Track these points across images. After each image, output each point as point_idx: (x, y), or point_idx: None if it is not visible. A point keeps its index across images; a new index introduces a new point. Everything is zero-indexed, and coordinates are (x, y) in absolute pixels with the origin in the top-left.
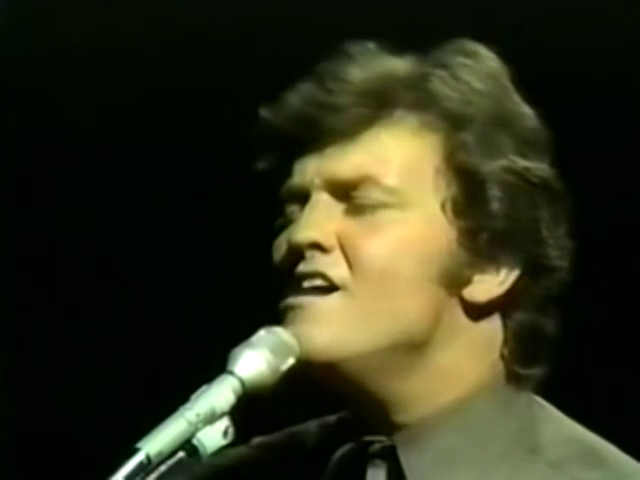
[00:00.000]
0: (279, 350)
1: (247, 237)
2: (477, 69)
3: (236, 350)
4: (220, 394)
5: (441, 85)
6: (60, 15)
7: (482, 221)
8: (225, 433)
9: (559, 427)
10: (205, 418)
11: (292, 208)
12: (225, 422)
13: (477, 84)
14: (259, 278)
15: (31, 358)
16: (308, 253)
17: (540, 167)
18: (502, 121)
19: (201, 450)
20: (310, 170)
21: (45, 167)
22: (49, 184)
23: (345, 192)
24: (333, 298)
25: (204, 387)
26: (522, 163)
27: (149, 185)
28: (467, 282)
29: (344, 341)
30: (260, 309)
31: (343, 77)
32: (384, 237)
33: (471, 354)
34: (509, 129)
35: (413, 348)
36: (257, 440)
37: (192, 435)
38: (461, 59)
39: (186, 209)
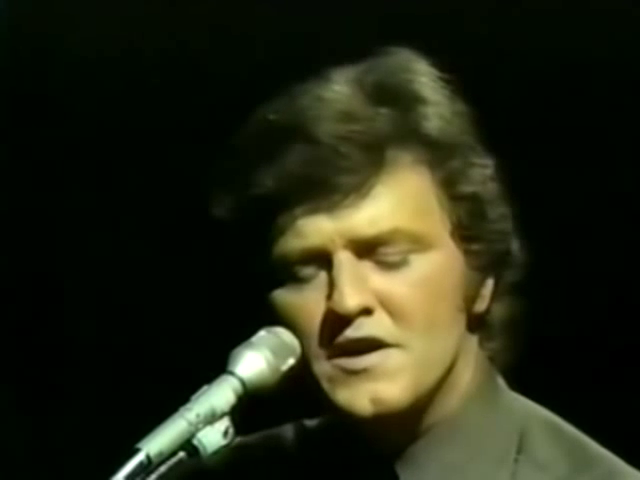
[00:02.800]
0: (279, 350)
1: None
2: (432, 85)
3: (236, 350)
4: (220, 394)
5: (419, 115)
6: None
7: (487, 240)
8: (225, 433)
9: (541, 421)
10: (205, 418)
11: (307, 269)
12: (225, 422)
13: (443, 101)
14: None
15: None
16: (357, 320)
17: (489, 158)
18: (467, 128)
19: (201, 450)
20: (327, 230)
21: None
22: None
23: (370, 249)
24: (394, 355)
25: (204, 387)
26: (487, 163)
27: (150, 183)
28: (476, 298)
29: (412, 391)
30: (260, 309)
31: (336, 132)
32: (421, 286)
33: (465, 363)
34: (468, 133)
35: (446, 374)
36: (235, 440)
37: (192, 435)
38: (413, 77)
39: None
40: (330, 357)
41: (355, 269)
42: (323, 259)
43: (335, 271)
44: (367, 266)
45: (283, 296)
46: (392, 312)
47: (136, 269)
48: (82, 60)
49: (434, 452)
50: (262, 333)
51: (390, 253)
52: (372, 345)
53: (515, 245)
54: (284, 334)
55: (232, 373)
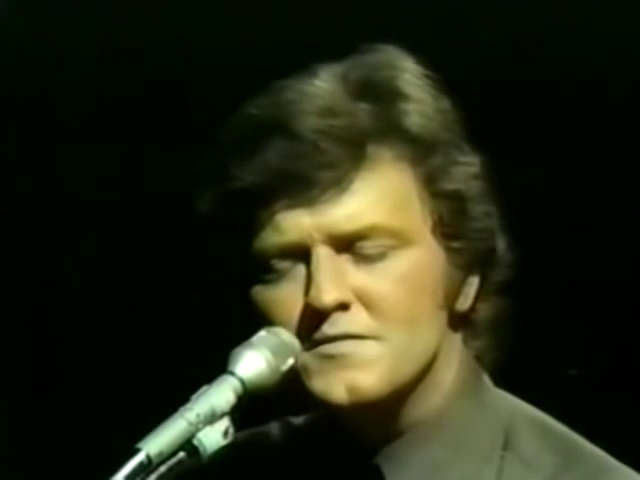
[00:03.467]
0: (279, 350)
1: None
2: (416, 82)
3: (236, 350)
4: (220, 394)
5: (401, 111)
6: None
7: (469, 238)
8: (225, 433)
9: (527, 418)
10: (205, 418)
11: (285, 263)
12: (225, 422)
13: (426, 98)
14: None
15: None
16: (333, 315)
17: (475, 157)
18: (451, 126)
19: (201, 450)
20: (306, 225)
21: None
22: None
23: (349, 244)
24: (370, 345)
25: (204, 387)
26: (472, 161)
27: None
28: (458, 295)
29: (387, 381)
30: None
31: (316, 127)
32: (400, 282)
33: (448, 361)
34: (452, 131)
35: (425, 369)
36: None
37: (192, 435)
38: (397, 74)
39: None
40: (308, 349)
41: (333, 264)
42: (301, 254)
43: (313, 266)
44: (346, 260)
45: (262, 291)
46: (369, 307)
47: (136, 268)
48: (82, 58)
49: (418, 449)
50: (262, 333)
51: (369, 247)
52: (349, 338)
53: (501, 244)
54: (284, 334)
55: (232, 373)
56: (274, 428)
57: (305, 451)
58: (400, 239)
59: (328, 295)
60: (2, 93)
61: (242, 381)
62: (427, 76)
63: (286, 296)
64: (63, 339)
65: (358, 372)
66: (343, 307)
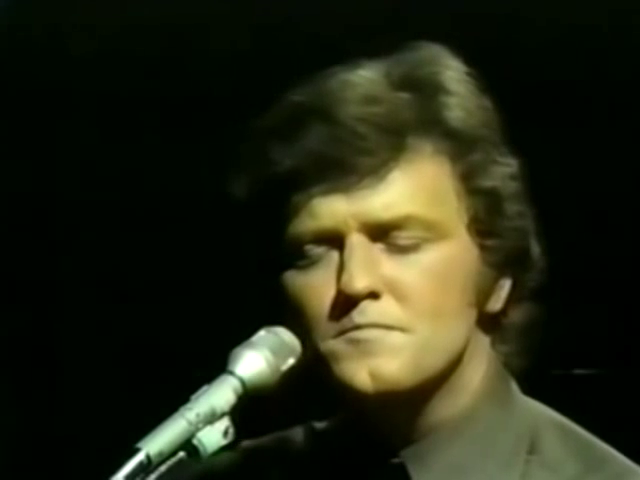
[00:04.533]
0: (279, 350)
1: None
2: (459, 78)
3: (236, 350)
4: (220, 394)
5: (443, 105)
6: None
7: (503, 236)
8: (225, 433)
9: (552, 423)
10: (205, 418)
11: (319, 249)
12: (225, 422)
13: (468, 94)
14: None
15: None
16: (363, 302)
17: (513, 159)
18: (492, 124)
19: (201, 450)
20: (341, 212)
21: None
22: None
23: (383, 233)
24: (396, 335)
25: (204, 387)
26: (510, 162)
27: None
28: (490, 295)
29: (411, 372)
30: (261, 309)
31: (356, 114)
32: (431, 274)
33: (476, 362)
34: (492, 129)
35: (452, 368)
36: (245, 443)
37: (192, 435)
38: (441, 69)
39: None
40: (336, 336)
41: (366, 252)
42: (336, 240)
43: (346, 253)
44: (379, 250)
45: (294, 277)
46: (399, 297)
47: (136, 267)
48: (83, 56)
49: (443, 450)
50: (262, 333)
51: (403, 237)
52: (377, 328)
53: (536, 249)
54: (284, 334)
55: (232, 373)
56: (297, 432)
57: (329, 454)
58: (434, 232)
59: (360, 282)
60: (2, 92)
61: (242, 381)
62: (469, 74)
63: (319, 282)
64: (63, 339)
65: (382, 359)
66: (373, 296)
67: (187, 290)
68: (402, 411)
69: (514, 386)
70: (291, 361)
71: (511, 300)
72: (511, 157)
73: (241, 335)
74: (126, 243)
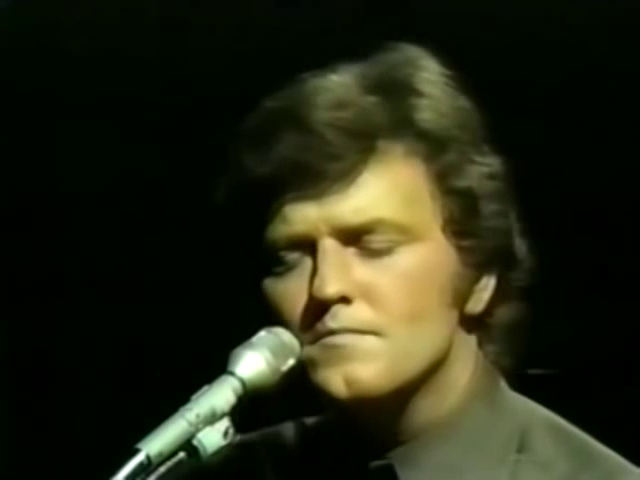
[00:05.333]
0: (280, 351)
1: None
2: (433, 80)
3: (237, 351)
4: (220, 395)
5: (413, 107)
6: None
7: (480, 237)
8: (225, 434)
9: (543, 421)
10: (205, 419)
11: (293, 255)
12: (225, 423)
13: (441, 96)
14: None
15: None
16: (334, 307)
17: (495, 158)
18: (468, 125)
19: (201, 451)
20: (312, 217)
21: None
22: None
23: (355, 237)
24: (370, 340)
25: (205, 387)
26: (490, 161)
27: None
28: (469, 296)
29: (387, 377)
30: (261, 309)
31: (326, 119)
32: (404, 278)
33: (463, 363)
34: (471, 131)
35: (434, 369)
36: (236, 438)
37: (192, 436)
38: (415, 71)
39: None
40: (312, 342)
41: (338, 256)
42: (309, 246)
43: (318, 258)
44: (352, 254)
45: (271, 283)
46: (372, 302)
47: (136, 267)
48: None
49: (431, 451)
50: (262, 333)
51: (375, 241)
52: (350, 333)
53: (521, 248)
54: (284, 334)
55: (232, 373)
56: (288, 428)
57: (318, 451)
58: (408, 235)
59: (331, 287)
60: (3, 91)
61: (242, 381)
62: (447, 76)
63: (293, 288)
64: (63, 339)
65: (357, 364)
66: (345, 301)
67: (187, 290)
68: (385, 414)
69: (504, 385)
70: (291, 362)
71: (496, 300)
72: (492, 157)
73: (241, 335)
74: (126, 243)
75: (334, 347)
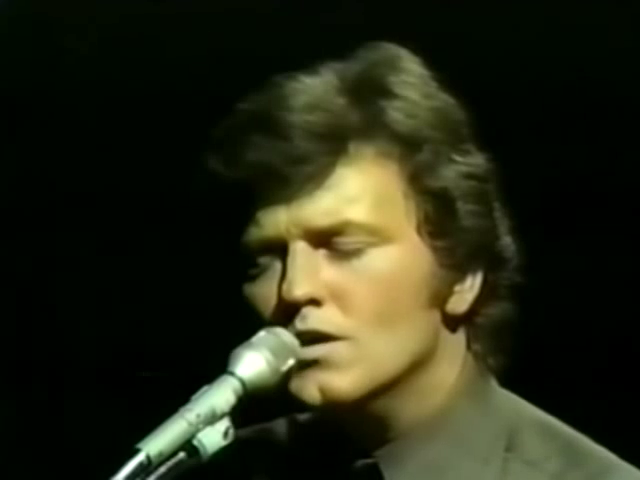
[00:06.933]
0: (280, 351)
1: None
2: (409, 81)
3: (237, 351)
4: (220, 395)
5: (385, 109)
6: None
7: (457, 237)
8: (225, 434)
9: (531, 420)
10: (205, 419)
11: (265, 258)
12: (225, 423)
13: (415, 97)
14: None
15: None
16: (304, 309)
17: (479, 157)
18: (444, 125)
19: (201, 451)
20: (282, 220)
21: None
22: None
23: (325, 239)
24: (342, 347)
25: (205, 388)
26: (470, 161)
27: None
28: (449, 296)
29: (363, 383)
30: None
31: (295, 122)
32: (375, 280)
33: (450, 362)
34: (449, 130)
35: (415, 369)
36: None
37: (192, 436)
38: (390, 72)
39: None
40: None
41: (308, 259)
42: (280, 249)
43: (288, 260)
44: (322, 256)
45: (247, 287)
46: (341, 304)
47: (137, 268)
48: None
49: (418, 449)
50: (262, 333)
51: (345, 243)
52: (320, 338)
53: (508, 248)
54: (284, 335)
55: (232, 373)
56: (280, 424)
57: (307, 448)
58: (378, 236)
59: (299, 289)
60: (3, 94)
61: (242, 381)
62: (427, 76)
63: (265, 291)
64: (63, 339)
65: (332, 374)
66: (315, 303)
67: (187, 290)
68: (367, 415)
69: (493, 384)
70: (291, 362)
71: (483, 299)
72: (474, 156)
73: (241, 336)
74: (126, 243)
75: (307, 361)
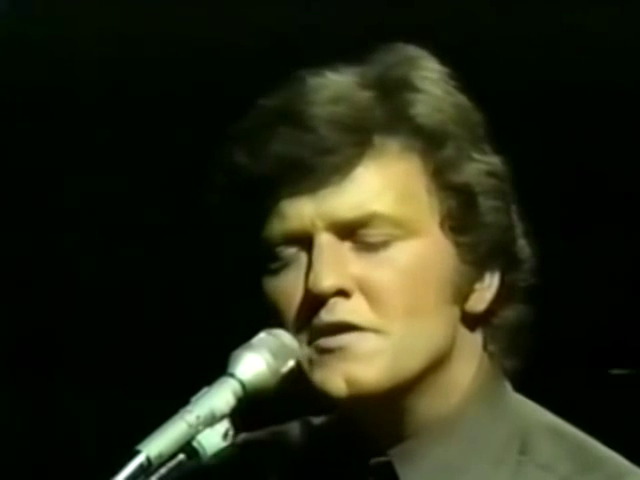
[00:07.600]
0: (280, 352)
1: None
2: (431, 77)
3: (236, 352)
4: (220, 396)
5: (410, 102)
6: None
7: (479, 233)
8: (225, 435)
9: (545, 424)
10: (205, 420)
11: (289, 251)
12: (225, 424)
13: (439, 93)
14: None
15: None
16: (331, 300)
17: (496, 158)
18: (465, 122)
19: (201, 452)
20: (308, 212)
21: None
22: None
23: (351, 231)
24: (369, 338)
25: (204, 389)
26: (489, 160)
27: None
28: (470, 294)
29: (388, 375)
30: (261, 310)
31: (320, 114)
32: (403, 273)
33: (467, 362)
34: (470, 128)
35: (435, 366)
36: (241, 437)
37: (192, 437)
38: (412, 69)
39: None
40: (310, 341)
41: (334, 251)
42: (304, 241)
43: (314, 253)
44: (348, 248)
45: (268, 280)
46: (369, 296)
47: (138, 268)
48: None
49: (432, 449)
50: (262, 335)
51: (371, 235)
52: (347, 328)
53: (524, 249)
54: (284, 336)
55: (232, 375)
56: (294, 427)
57: (322, 450)
58: (404, 229)
59: (326, 280)
60: (5, 91)
61: (242, 383)
62: (447, 75)
63: (289, 283)
64: (64, 338)
65: (358, 365)
66: (343, 294)
67: (187, 290)
68: (385, 411)
69: (507, 386)
70: (291, 363)
71: (500, 300)
72: (491, 156)
73: (242, 336)
74: (126, 243)
75: (333, 350)
